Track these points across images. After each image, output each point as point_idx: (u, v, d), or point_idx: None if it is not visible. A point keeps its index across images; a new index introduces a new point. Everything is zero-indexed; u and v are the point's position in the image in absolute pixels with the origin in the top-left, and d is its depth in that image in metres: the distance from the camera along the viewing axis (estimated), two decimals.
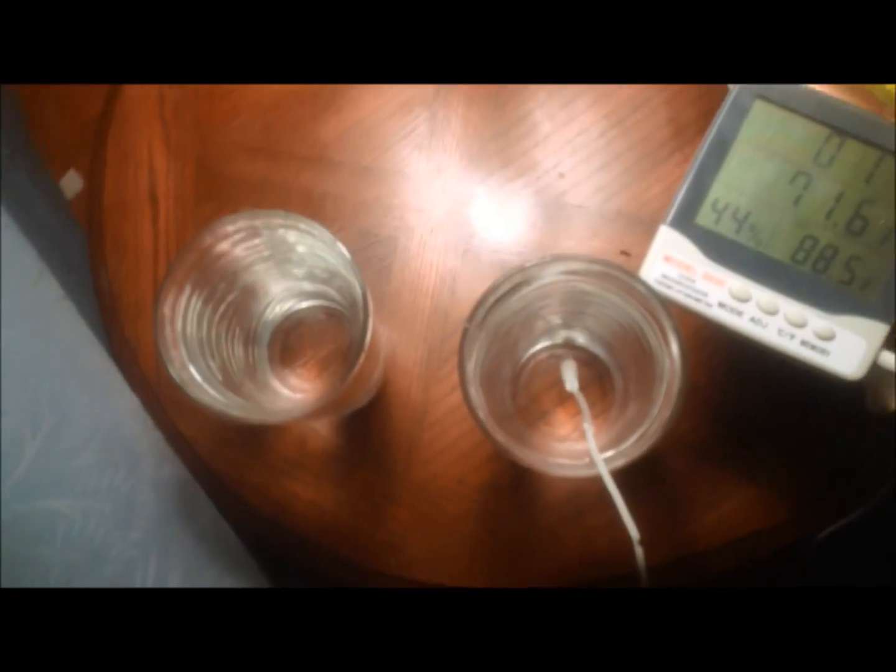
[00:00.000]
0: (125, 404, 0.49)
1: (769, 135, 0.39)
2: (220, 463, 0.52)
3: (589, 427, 0.40)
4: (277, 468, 0.51)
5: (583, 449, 0.45)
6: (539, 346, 0.48)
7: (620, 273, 0.37)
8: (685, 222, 0.40)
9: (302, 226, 0.39)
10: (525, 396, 0.49)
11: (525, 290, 0.39)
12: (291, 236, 0.40)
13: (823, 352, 0.38)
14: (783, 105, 0.39)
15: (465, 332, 0.37)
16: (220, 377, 0.41)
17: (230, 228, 0.38)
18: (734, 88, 0.40)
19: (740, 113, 0.39)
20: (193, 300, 0.39)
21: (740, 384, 0.49)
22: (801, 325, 0.38)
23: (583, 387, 0.46)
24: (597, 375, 0.48)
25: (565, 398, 0.49)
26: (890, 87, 0.38)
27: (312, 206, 0.53)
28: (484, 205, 0.53)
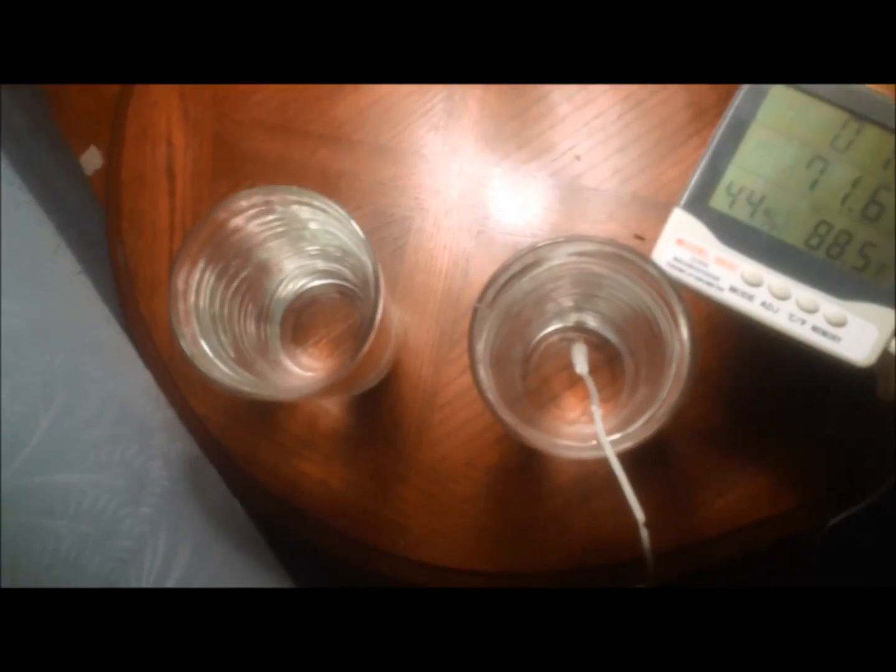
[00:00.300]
0: (138, 380, 0.49)
1: (786, 118, 0.39)
2: (231, 441, 0.52)
3: (597, 409, 0.40)
4: (287, 447, 0.52)
5: (592, 432, 0.45)
6: (550, 329, 0.48)
7: (632, 255, 0.37)
8: (699, 205, 0.40)
9: (316, 202, 0.39)
10: (535, 379, 0.49)
11: (536, 271, 0.39)
12: (305, 213, 0.40)
13: (835, 338, 0.38)
14: (801, 88, 0.39)
15: (476, 311, 0.37)
16: (232, 354, 0.41)
17: (244, 203, 0.38)
18: None
19: (758, 96, 0.39)
20: (207, 275, 0.39)
21: (751, 371, 0.49)
22: (813, 311, 0.38)
23: (593, 370, 0.46)
24: (607, 359, 0.48)
25: (575, 381, 0.49)
26: None
27: (328, 185, 0.53)
28: (499, 187, 0.53)
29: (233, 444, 0.52)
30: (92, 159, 1.05)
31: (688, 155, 0.52)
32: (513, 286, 0.39)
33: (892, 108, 0.38)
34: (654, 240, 0.40)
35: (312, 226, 0.41)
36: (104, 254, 0.58)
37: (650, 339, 0.41)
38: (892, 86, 0.39)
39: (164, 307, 0.53)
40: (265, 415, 0.52)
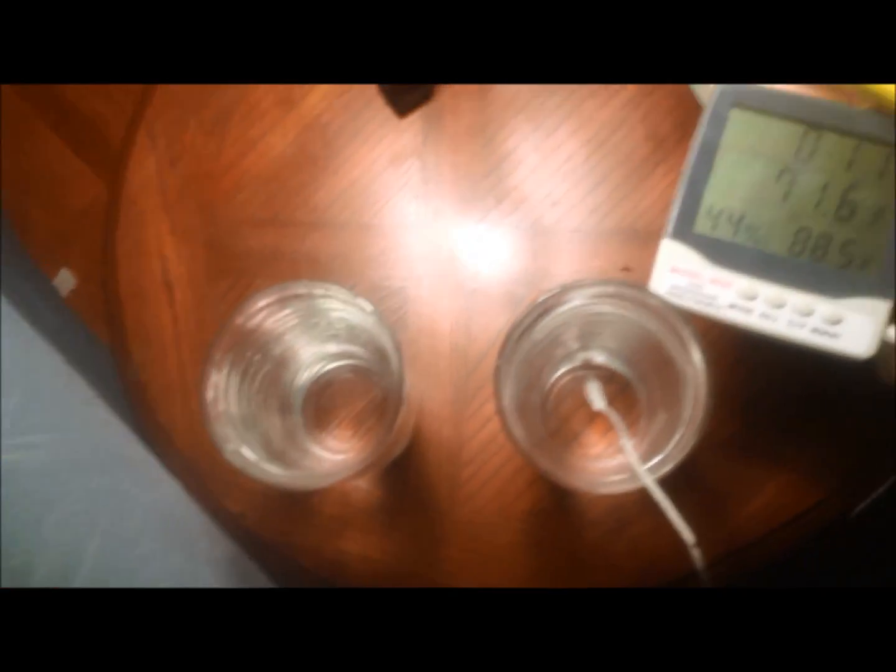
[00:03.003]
0: (173, 489, 0.50)
1: (750, 138, 0.41)
2: (270, 533, 0.53)
3: (627, 441, 0.42)
4: (325, 528, 0.52)
5: (618, 464, 0.46)
6: (561, 371, 0.50)
7: (633, 291, 0.39)
8: (685, 232, 0.42)
9: (323, 290, 0.41)
10: (555, 420, 0.51)
11: (545, 321, 0.41)
12: (315, 302, 0.42)
13: (834, 336, 0.40)
14: (758, 109, 0.41)
15: (497, 368, 0.39)
16: (264, 451, 0.42)
17: (260, 304, 0.40)
18: (709, 101, 0.42)
19: (720, 122, 0.42)
20: (232, 379, 0.41)
21: (756, 376, 0.51)
22: (809, 314, 0.40)
23: (608, 403, 0.48)
24: (619, 390, 0.50)
25: (594, 417, 0.50)
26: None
27: (322, 269, 0.55)
28: (486, 242, 0.55)
29: (271, 535, 0.53)
30: (65, 281, 1.07)
31: (657, 183, 0.54)
32: (525, 339, 0.41)
33: (845, 112, 0.41)
34: (641, 268, 0.42)
35: (324, 312, 0.43)
36: (101, 369, 0.59)
37: (660, 364, 0.43)
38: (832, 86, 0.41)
39: (181, 414, 0.55)
40: (298, 501, 0.53)
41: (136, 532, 0.45)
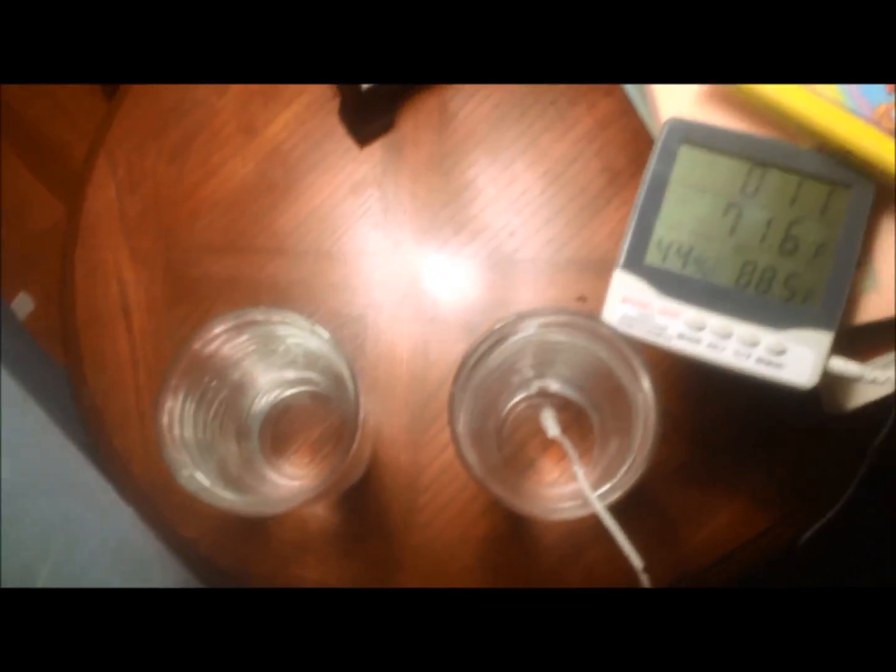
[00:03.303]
0: (128, 515, 0.50)
1: (698, 174, 0.43)
2: (224, 559, 0.53)
3: (579, 469, 0.42)
4: (282, 555, 0.52)
5: (572, 490, 0.47)
6: (516, 399, 0.51)
7: (585, 320, 0.40)
8: (636, 264, 0.43)
9: (280, 317, 0.41)
10: (510, 447, 0.51)
11: (500, 349, 0.42)
12: (272, 329, 0.42)
13: (778, 366, 0.41)
14: (706, 146, 0.43)
15: (452, 395, 0.40)
16: (220, 477, 0.42)
17: (217, 330, 0.40)
18: (659, 137, 0.43)
19: (669, 158, 0.43)
20: (188, 404, 0.41)
21: (706, 406, 0.52)
22: (755, 344, 0.41)
23: (562, 430, 0.49)
24: (573, 418, 0.51)
25: (549, 445, 0.51)
26: (799, 117, 0.42)
27: (282, 295, 0.55)
28: (444, 271, 0.56)
29: (227, 562, 0.52)
30: (23, 304, 1.06)
31: (611, 216, 0.56)
32: (480, 366, 0.41)
33: (789, 150, 0.42)
34: (595, 298, 0.43)
35: (281, 339, 0.43)
36: (58, 393, 0.59)
37: (612, 392, 0.44)
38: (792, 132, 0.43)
39: (137, 440, 0.54)
40: (255, 528, 0.53)
41: (88, 558, 0.45)
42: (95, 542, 0.46)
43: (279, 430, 0.52)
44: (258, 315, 0.41)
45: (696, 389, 0.52)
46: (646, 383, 0.39)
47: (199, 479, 0.39)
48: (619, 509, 0.40)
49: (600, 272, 0.54)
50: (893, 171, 0.40)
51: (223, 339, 0.41)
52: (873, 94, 0.41)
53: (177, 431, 0.40)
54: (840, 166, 0.42)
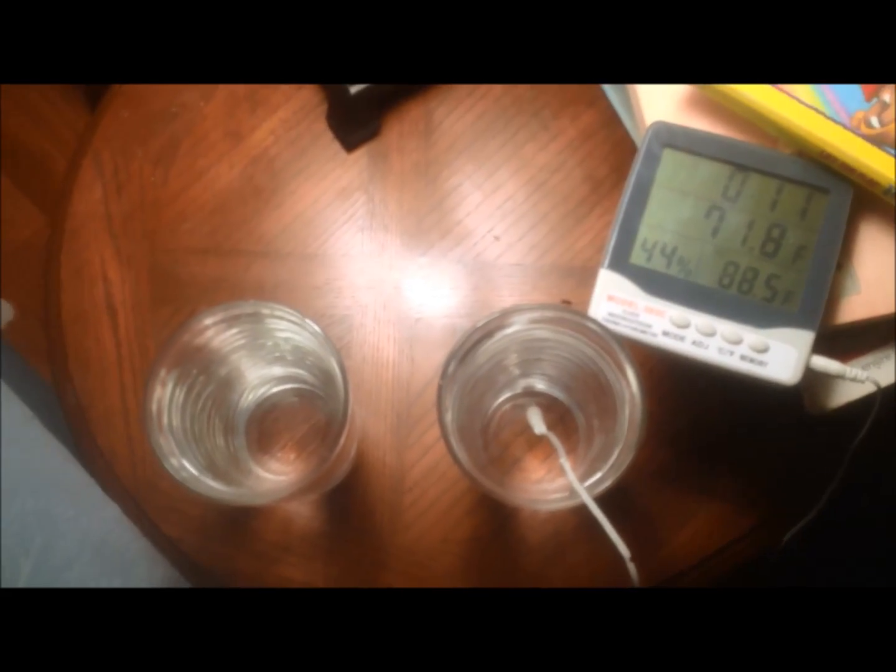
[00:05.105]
0: (110, 513, 0.49)
1: (681, 177, 0.44)
2: (209, 558, 0.52)
3: (566, 461, 0.43)
4: (266, 555, 0.52)
5: (558, 487, 0.48)
6: (502, 398, 0.51)
7: (573, 315, 0.41)
8: (621, 263, 0.44)
9: (271, 310, 0.41)
10: (496, 446, 0.52)
11: (487, 344, 0.42)
12: (262, 323, 0.42)
13: (761, 363, 0.42)
14: (688, 150, 0.44)
15: (440, 387, 0.40)
16: (208, 468, 0.42)
17: (207, 322, 0.40)
18: (643, 141, 0.44)
19: (653, 161, 0.44)
20: (177, 394, 0.41)
21: (689, 407, 0.53)
22: (738, 342, 0.42)
23: (548, 429, 0.49)
24: (559, 417, 0.51)
25: (534, 443, 0.52)
26: (779, 123, 0.43)
27: (267, 297, 0.56)
28: (429, 274, 0.56)
29: (210, 561, 0.52)
30: (4, 312, 1.05)
31: (593, 224, 0.57)
32: (468, 361, 0.42)
33: (769, 155, 0.44)
34: (579, 302, 0.44)
35: (271, 333, 0.43)
36: (39, 394, 0.59)
37: (597, 390, 0.45)
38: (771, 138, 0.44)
39: (121, 439, 0.54)
40: (239, 527, 0.52)
41: (71, 555, 0.45)
42: (77, 539, 0.45)
43: (266, 427, 0.52)
44: (248, 308, 0.41)
45: (677, 391, 0.53)
46: (632, 375, 0.40)
47: (187, 466, 0.39)
48: (603, 510, 0.41)
49: (582, 279, 0.55)
50: (870, 176, 0.42)
51: (213, 332, 0.41)
52: (850, 102, 0.43)
53: (165, 420, 0.40)
54: (819, 171, 0.43)
